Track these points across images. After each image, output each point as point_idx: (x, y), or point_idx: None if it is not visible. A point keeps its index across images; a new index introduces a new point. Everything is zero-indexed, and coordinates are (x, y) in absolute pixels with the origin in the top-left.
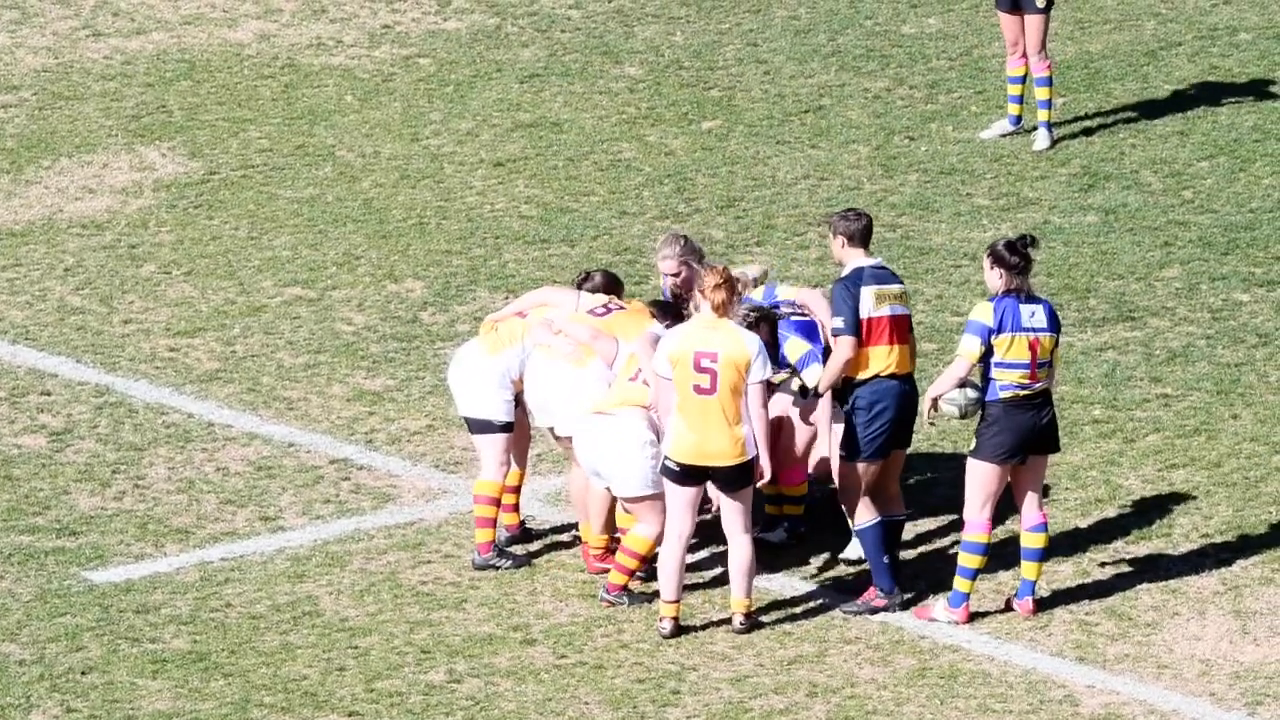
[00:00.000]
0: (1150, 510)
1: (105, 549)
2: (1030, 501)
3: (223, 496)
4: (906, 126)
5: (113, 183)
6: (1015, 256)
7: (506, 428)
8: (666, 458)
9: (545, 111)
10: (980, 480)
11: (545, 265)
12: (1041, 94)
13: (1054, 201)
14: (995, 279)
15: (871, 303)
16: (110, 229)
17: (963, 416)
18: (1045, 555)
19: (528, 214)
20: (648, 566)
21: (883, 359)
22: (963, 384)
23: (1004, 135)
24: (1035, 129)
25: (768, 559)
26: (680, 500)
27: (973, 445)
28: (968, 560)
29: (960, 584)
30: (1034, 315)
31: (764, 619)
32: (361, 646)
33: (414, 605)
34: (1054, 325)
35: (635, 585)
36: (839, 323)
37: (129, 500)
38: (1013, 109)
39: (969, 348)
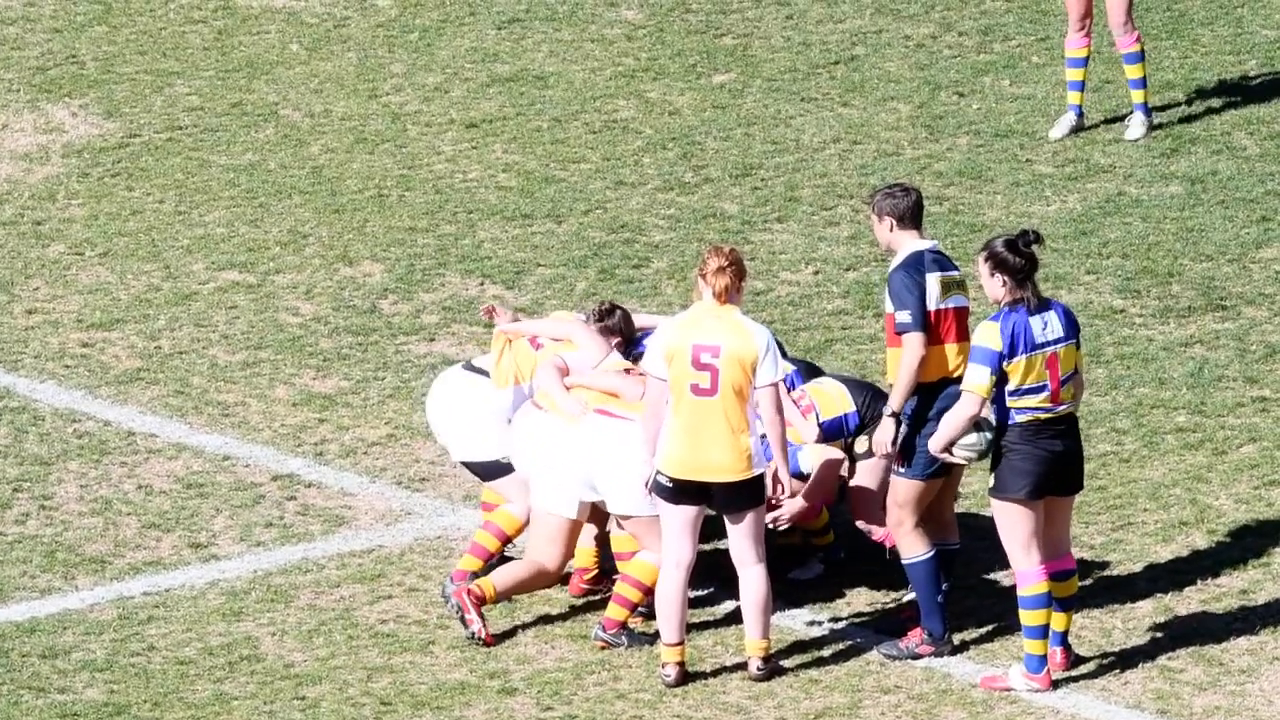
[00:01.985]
0: (1245, 535)
1: (5, 582)
2: (1056, 547)
3: (145, 520)
4: (955, 81)
5: (14, 147)
6: (1019, 258)
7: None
8: (659, 472)
9: (527, 63)
10: (1013, 522)
11: (527, 245)
12: (1133, 72)
13: (1130, 169)
14: (997, 287)
15: (938, 292)
16: (11, 202)
17: (982, 459)
18: (1074, 604)
19: (506, 184)
20: (649, 601)
21: (951, 359)
22: (976, 425)
23: (1074, 133)
24: (1130, 115)
25: (790, 593)
26: (677, 522)
27: (991, 482)
28: (1031, 618)
29: (1032, 646)
30: (1047, 326)
31: (786, 664)
32: (310, 697)
33: (372, 648)
34: (1072, 331)
35: (636, 623)
36: (905, 317)
37: (33, 524)
38: (1073, 97)
39: (978, 381)
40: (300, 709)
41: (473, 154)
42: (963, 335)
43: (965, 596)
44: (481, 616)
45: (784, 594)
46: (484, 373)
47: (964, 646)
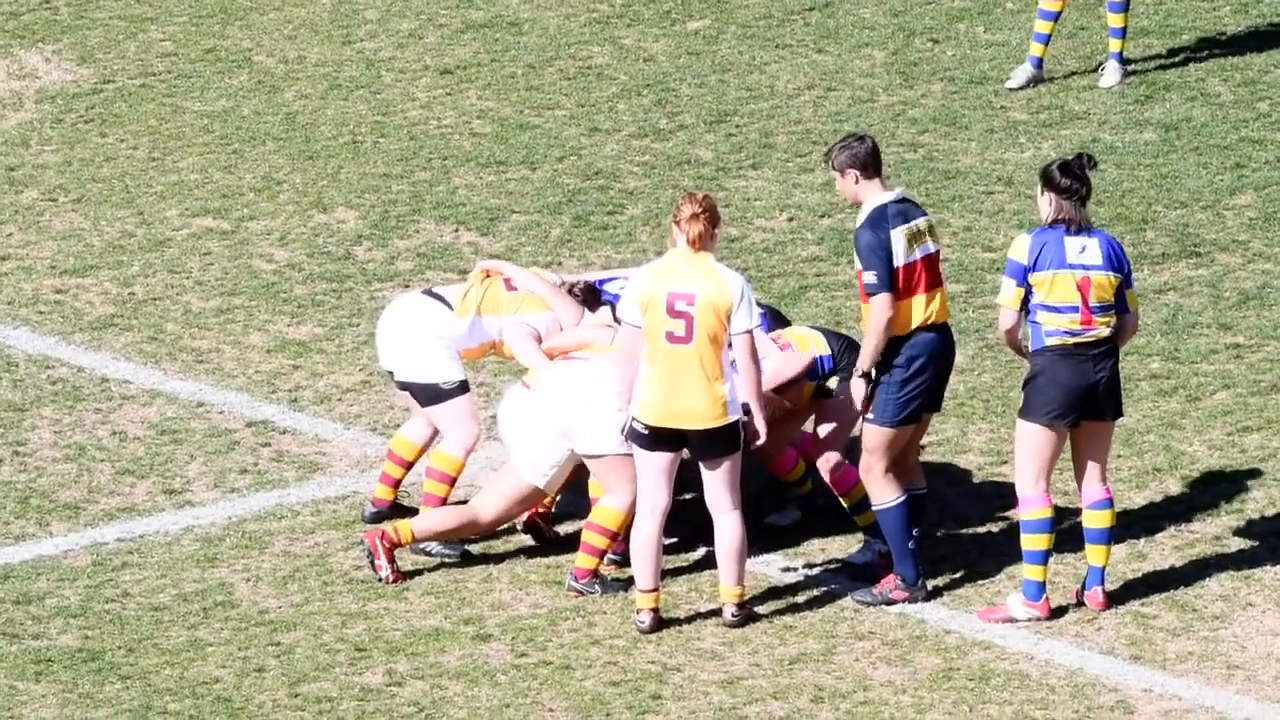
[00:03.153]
0: (1219, 482)
1: None
2: (1090, 474)
3: (119, 466)
4: (929, 27)
5: None
6: (1068, 179)
7: (464, 386)
8: (634, 419)
9: (501, 9)
10: (1029, 445)
11: (502, 191)
12: (1114, 20)
13: (1104, 116)
14: (1045, 206)
15: (903, 247)
16: None
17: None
18: (1112, 536)
19: (481, 131)
20: (622, 547)
21: (921, 310)
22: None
23: (1031, 84)
24: (1103, 63)
25: (765, 539)
26: (651, 468)
27: (1021, 403)
28: (1032, 543)
29: (1031, 572)
30: (1084, 250)
31: (760, 610)
32: (284, 643)
33: (347, 595)
34: (1113, 263)
35: (610, 571)
36: (872, 278)
37: (7, 470)
38: (1035, 48)
39: (1005, 294)
40: (275, 655)
41: (447, 100)
42: (934, 283)
43: (939, 543)
44: (391, 559)
45: (758, 540)
46: (442, 300)
47: (938, 592)
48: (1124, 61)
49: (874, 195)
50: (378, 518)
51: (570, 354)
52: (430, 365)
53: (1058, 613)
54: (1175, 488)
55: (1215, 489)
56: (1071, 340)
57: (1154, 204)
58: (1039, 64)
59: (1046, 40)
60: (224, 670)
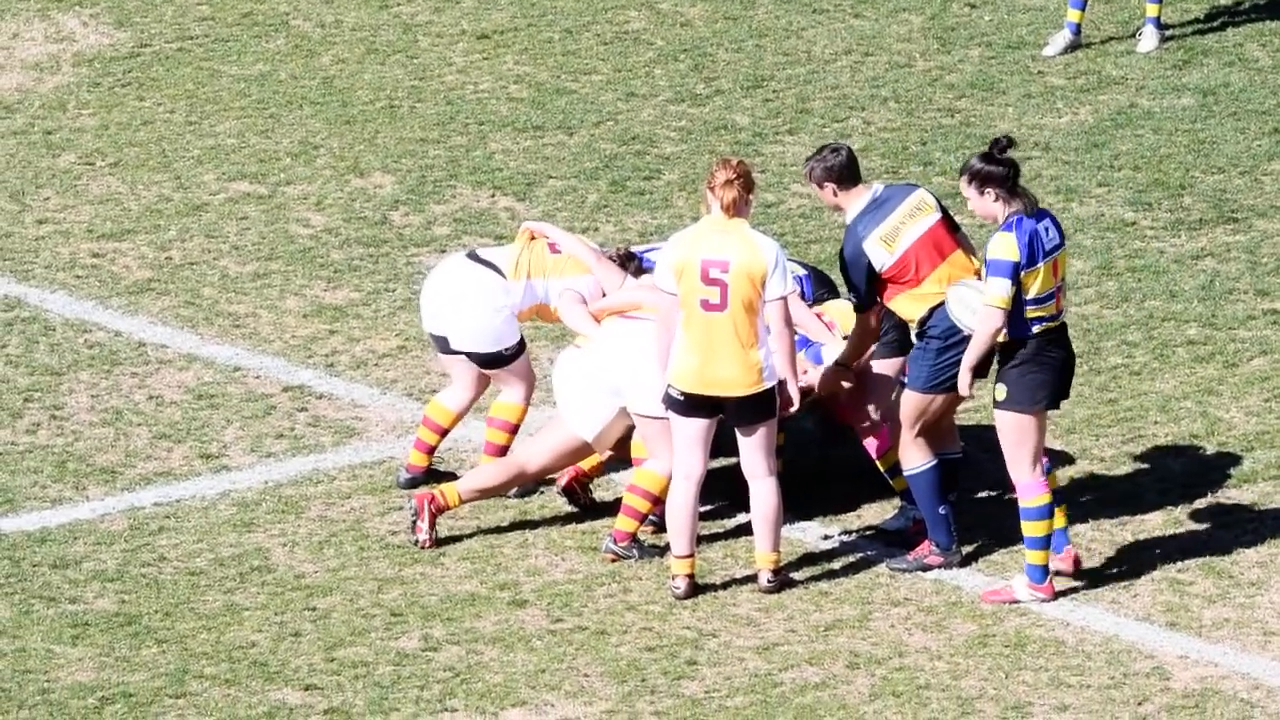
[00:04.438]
0: (1255, 448)
1: (16, 492)
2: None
3: (156, 430)
4: None
5: (24, 56)
6: (1000, 166)
7: (522, 344)
8: (670, 385)
9: None
10: (1020, 434)
11: (539, 156)
12: None
13: (1142, 81)
14: (990, 204)
15: (881, 250)
16: (22, 111)
17: None
18: (1061, 499)
19: (517, 95)
20: (661, 511)
21: (940, 282)
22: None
23: (1069, 50)
24: (1140, 28)
25: (801, 505)
26: (688, 435)
27: (1000, 395)
28: (1034, 529)
29: (1034, 557)
30: (1049, 233)
31: (796, 576)
32: (320, 608)
33: (382, 559)
34: (1063, 236)
35: (647, 535)
36: (854, 298)
37: (44, 434)
38: (1073, 15)
39: (997, 293)
40: (311, 619)
41: (484, 65)
42: (946, 249)
43: (975, 508)
44: (433, 525)
45: (794, 507)
46: (489, 265)
47: (973, 558)
48: (1161, 26)
49: (853, 204)
50: (412, 483)
51: (624, 313)
52: (493, 334)
53: (1061, 593)
54: (1212, 454)
55: (1252, 456)
56: (1053, 326)
57: (1191, 169)
58: (1076, 30)
59: (1083, 6)
60: (260, 635)
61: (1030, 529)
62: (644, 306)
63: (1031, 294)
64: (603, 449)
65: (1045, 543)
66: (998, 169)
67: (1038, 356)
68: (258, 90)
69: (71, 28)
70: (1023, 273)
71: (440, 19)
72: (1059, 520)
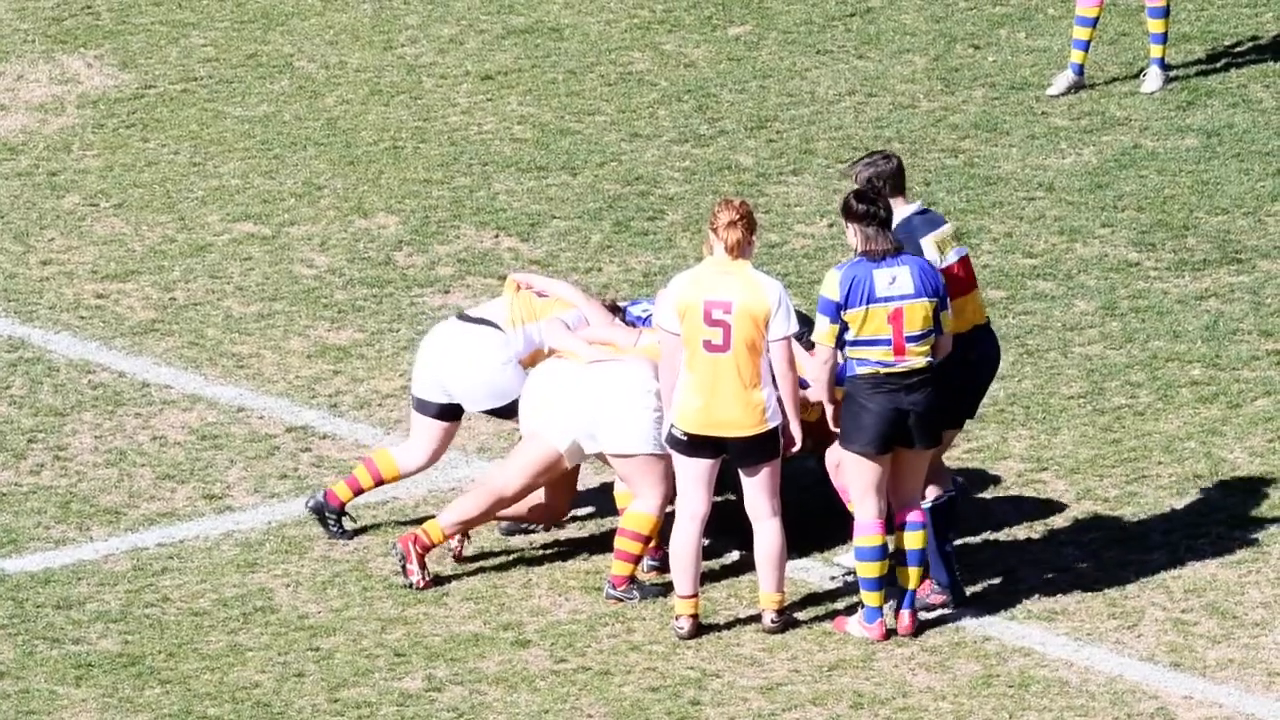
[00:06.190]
0: (1259, 488)
1: (19, 532)
2: (904, 497)
3: (160, 471)
4: (971, 33)
5: (29, 98)
6: (863, 204)
7: None
8: (673, 425)
9: (543, 14)
10: (853, 472)
11: (543, 197)
12: (1155, 26)
13: (1146, 122)
14: (851, 237)
15: (936, 255)
16: (26, 153)
17: None
18: (924, 559)
19: (521, 136)
20: (658, 553)
21: (971, 306)
22: None
23: (1073, 91)
24: (1145, 69)
25: (803, 544)
26: (691, 475)
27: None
28: (864, 569)
29: (866, 597)
30: (894, 281)
31: (799, 616)
32: (324, 648)
33: (386, 600)
34: (926, 289)
35: (648, 576)
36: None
37: (48, 475)
38: (1076, 55)
39: (820, 330)
40: (314, 660)
41: (488, 106)
42: (971, 284)
43: (978, 549)
44: (423, 565)
45: (798, 546)
46: (484, 321)
47: (977, 598)
48: (1165, 67)
49: (897, 211)
50: (318, 508)
51: (598, 357)
52: (504, 388)
53: (890, 634)
54: (1216, 494)
55: (1256, 496)
56: (884, 370)
57: (1195, 210)
58: (1080, 70)
59: (1086, 47)
60: (264, 675)
61: (861, 569)
62: (617, 345)
63: (852, 334)
64: (573, 461)
65: (878, 584)
66: (858, 205)
67: (863, 398)
68: (262, 131)
69: (76, 69)
70: (843, 312)
71: (444, 60)
72: (911, 581)
